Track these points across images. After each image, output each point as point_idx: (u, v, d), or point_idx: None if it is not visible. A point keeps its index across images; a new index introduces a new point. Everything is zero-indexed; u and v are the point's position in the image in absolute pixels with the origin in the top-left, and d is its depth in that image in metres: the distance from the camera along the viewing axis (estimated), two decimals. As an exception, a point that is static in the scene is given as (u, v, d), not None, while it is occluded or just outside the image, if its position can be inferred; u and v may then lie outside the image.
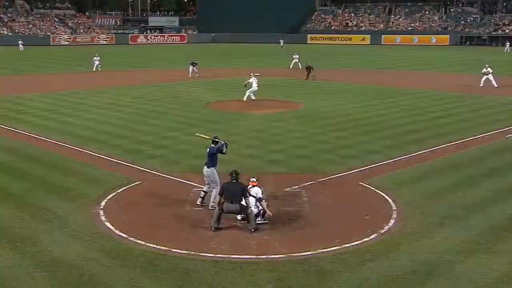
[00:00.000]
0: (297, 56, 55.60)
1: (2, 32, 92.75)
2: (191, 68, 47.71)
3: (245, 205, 13.28)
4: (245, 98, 32.62)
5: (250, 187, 13.84)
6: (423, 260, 11.63)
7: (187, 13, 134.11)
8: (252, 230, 13.11)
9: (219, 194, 13.61)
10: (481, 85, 38.96)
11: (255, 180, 14.10)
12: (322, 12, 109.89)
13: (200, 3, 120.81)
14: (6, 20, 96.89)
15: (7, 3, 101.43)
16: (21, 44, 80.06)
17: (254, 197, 13.67)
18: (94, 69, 52.24)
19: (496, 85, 38.57)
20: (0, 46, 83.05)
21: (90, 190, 16.35)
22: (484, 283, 10.68)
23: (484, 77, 39.26)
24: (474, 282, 10.72)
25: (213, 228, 13.20)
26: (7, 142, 22.82)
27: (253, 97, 32.91)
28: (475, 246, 12.38)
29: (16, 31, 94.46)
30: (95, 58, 53.16)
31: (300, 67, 52.01)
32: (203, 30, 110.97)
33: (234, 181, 13.56)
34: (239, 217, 13.80)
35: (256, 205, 13.63)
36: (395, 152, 20.86)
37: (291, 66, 54.81)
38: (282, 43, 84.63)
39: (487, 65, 40.16)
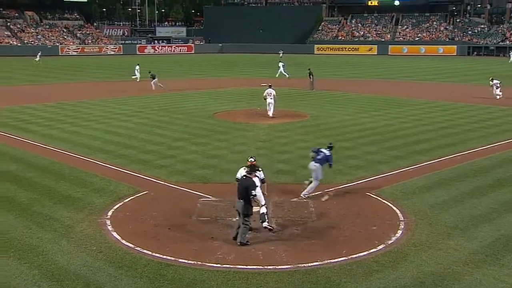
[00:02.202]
0: (282, 64, 56.23)
1: (11, 43, 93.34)
2: (152, 81, 46.00)
3: (250, 205, 12.96)
4: (271, 114, 30.83)
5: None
6: (430, 271, 11.54)
7: (194, 24, 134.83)
8: (239, 243, 12.89)
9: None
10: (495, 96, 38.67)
11: (253, 160, 14.22)
12: (329, 22, 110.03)
13: (207, 14, 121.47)
14: (15, 31, 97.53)
15: (16, 14, 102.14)
16: (39, 55, 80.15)
17: (257, 177, 13.86)
18: (138, 79, 52.11)
19: (498, 97, 38.37)
20: (11, 56, 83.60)
21: (97, 199, 16.36)
22: (493, 295, 10.59)
23: (493, 88, 39.09)
24: None
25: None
26: (15, 151, 22.90)
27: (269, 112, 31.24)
28: (483, 257, 12.26)
29: (25, 41, 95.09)
30: (137, 67, 53.01)
31: (287, 76, 53.17)
32: (210, 40, 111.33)
33: (244, 176, 13.45)
34: (264, 224, 13.59)
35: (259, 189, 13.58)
36: (403, 162, 20.80)
37: (277, 75, 55.07)
38: (281, 54, 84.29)
39: (491, 78, 40.08)
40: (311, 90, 44.98)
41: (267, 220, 13.71)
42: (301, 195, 16.24)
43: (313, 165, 16.43)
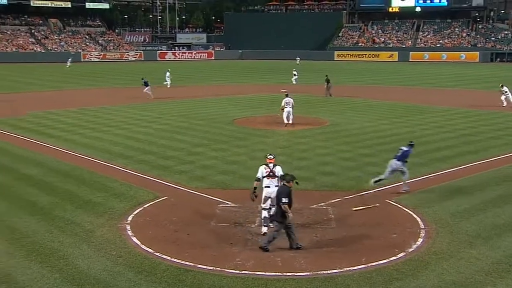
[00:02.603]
0: (295, 73, 56.29)
1: (35, 49, 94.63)
2: (145, 89, 44.07)
3: (283, 210, 12.80)
4: (290, 121, 30.29)
5: (273, 166, 14.28)
6: (452, 280, 11.39)
7: (214, 30, 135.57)
8: (295, 247, 13.13)
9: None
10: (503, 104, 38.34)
11: (272, 157, 14.46)
12: (349, 29, 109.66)
13: (227, 21, 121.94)
14: (39, 37, 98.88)
15: (41, 21, 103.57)
16: (69, 61, 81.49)
17: (277, 177, 14.10)
18: (169, 85, 51.96)
19: (504, 104, 38.00)
20: (35, 63, 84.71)
21: (118, 204, 16.48)
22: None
23: (503, 96, 38.70)
24: None
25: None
26: (38, 156, 23.18)
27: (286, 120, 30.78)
28: (507, 267, 12.06)
29: (49, 48, 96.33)
30: (167, 73, 52.87)
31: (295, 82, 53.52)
32: (230, 47, 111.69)
33: (285, 183, 13.22)
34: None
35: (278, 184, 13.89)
36: (424, 170, 20.61)
37: (294, 82, 55.28)
38: (298, 61, 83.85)
39: (501, 84, 39.71)
40: (327, 97, 44.82)
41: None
42: (402, 190, 17.69)
43: (395, 163, 17.73)
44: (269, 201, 14.10)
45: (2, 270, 11.94)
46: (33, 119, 33.35)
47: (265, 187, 14.24)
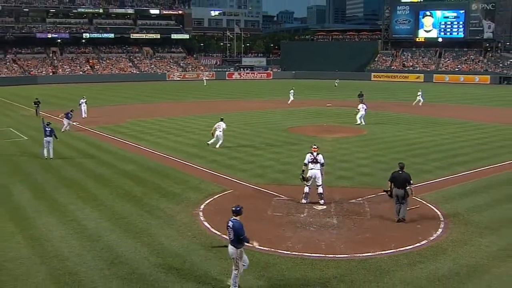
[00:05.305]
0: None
1: (132, 71, 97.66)
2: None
3: (410, 191, 13.79)
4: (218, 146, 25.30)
5: (316, 154, 14.96)
6: (465, 263, 11.20)
7: (272, 55, 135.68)
8: (402, 219, 13.77)
9: (389, 180, 14.12)
10: None
11: (316, 147, 15.25)
12: (383, 54, 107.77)
13: (283, 47, 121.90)
14: (135, 62, 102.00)
15: (137, 50, 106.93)
16: (205, 79, 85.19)
17: (319, 163, 14.91)
18: (289, 102, 48.70)
19: None
20: (131, 81, 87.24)
21: (193, 195, 16.78)
22: (519, 286, 10.14)
23: None
24: (507, 283, 10.31)
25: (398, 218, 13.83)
26: (132, 155, 23.89)
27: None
28: (510, 253, 11.79)
29: (142, 70, 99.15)
30: (291, 91, 50.19)
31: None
32: (285, 68, 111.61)
33: (400, 171, 13.98)
34: (322, 201, 14.97)
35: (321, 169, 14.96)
36: (444, 172, 20.03)
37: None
38: (337, 83, 79.41)
39: None
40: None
41: (324, 199, 15.08)
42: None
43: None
44: (311, 180, 15.11)
45: (106, 243, 12.45)
46: (129, 125, 34.28)
47: (310, 169, 15.05)
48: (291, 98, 49.81)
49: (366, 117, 34.80)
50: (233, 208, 10.03)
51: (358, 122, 34.15)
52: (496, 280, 10.42)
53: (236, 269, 9.84)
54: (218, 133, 25.28)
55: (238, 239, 9.65)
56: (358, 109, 34.76)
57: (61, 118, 31.59)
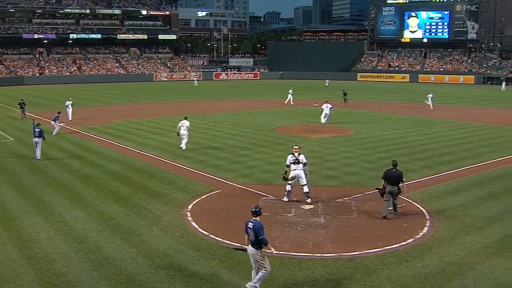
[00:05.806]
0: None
1: (119, 72, 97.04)
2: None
3: (401, 189, 14.24)
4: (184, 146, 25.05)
5: (298, 155, 15.21)
6: (450, 261, 11.32)
7: (259, 55, 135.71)
8: (395, 213, 14.20)
9: (382, 178, 14.45)
10: None
11: (297, 147, 15.44)
12: (370, 55, 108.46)
13: (270, 48, 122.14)
14: (122, 62, 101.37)
15: (124, 50, 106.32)
16: (195, 79, 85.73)
17: (301, 163, 15.15)
18: (286, 102, 48.59)
19: None
20: (118, 82, 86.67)
21: (180, 195, 16.74)
22: (500, 281, 10.40)
23: None
24: (491, 280, 10.45)
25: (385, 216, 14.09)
26: (120, 156, 23.74)
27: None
28: (494, 250, 11.94)
29: (129, 71, 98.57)
30: (290, 91, 49.51)
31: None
32: (272, 69, 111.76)
33: (393, 169, 14.33)
34: (308, 200, 15.23)
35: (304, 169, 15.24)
36: (429, 171, 20.24)
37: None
38: (327, 83, 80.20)
39: None
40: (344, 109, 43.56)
41: (310, 198, 15.30)
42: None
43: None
44: (294, 180, 15.40)
45: (94, 244, 12.35)
46: (116, 126, 34.06)
47: (293, 170, 15.32)
48: (290, 98, 49.67)
49: (351, 116, 34.87)
50: (253, 209, 9.82)
51: (323, 121, 34.03)
52: (481, 277, 10.56)
53: (264, 270, 9.66)
54: (183, 131, 24.71)
55: (258, 240, 9.51)
56: (322, 109, 34.60)
57: (53, 124, 30.63)
